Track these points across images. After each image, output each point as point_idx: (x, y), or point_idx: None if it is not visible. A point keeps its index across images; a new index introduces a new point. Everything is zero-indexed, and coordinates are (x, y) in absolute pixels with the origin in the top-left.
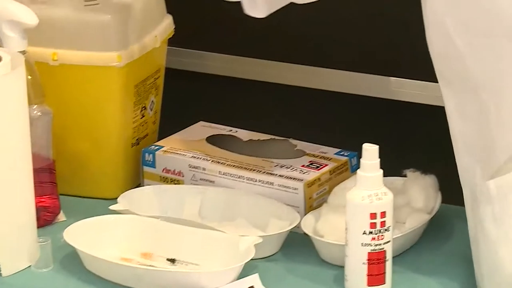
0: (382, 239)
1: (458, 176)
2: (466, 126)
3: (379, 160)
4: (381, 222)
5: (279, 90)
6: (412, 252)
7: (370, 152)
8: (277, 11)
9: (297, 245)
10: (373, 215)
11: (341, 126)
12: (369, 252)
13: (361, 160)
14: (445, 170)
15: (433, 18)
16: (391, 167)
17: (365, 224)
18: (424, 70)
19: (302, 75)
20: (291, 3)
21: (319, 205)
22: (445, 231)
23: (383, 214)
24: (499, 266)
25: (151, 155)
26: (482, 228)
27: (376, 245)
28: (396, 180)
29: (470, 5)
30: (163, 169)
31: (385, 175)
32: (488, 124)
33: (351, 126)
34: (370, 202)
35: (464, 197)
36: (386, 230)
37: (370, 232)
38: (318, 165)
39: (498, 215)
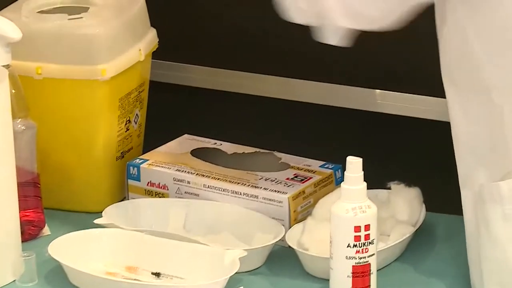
0: (366, 252)
1: (442, 188)
2: (473, 127)
3: (363, 173)
4: (366, 235)
5: (263, 103)
6: (397, 264)
7: (354, 165)
8: (259, 24)
9: (282, 258)
10: (357, 228)
11: (325, 138)
12: (353, 265)
13: (345, 173)
14: (429, 182)
15: (453, 21)
16: (376, 179)
17: (349, 237)
18: (409, 83)
19: (287, 88)
20: None
21: (304, 218)
22: (430, 243)
23: (367, 227)
24: (508, 266)
25: (135, 168)
26: (488, 228)
27: (360, 258)
28: (381, 193)
29: (492, 14)
30: (148, 183)
31: (369, 187)
32: (501, 127)
33: (336, 139)
34: (354, 215)
35: (462, 198)
36: (370, 243)
37: (355, 245)
38: (302, 178)
39: (509, 216)
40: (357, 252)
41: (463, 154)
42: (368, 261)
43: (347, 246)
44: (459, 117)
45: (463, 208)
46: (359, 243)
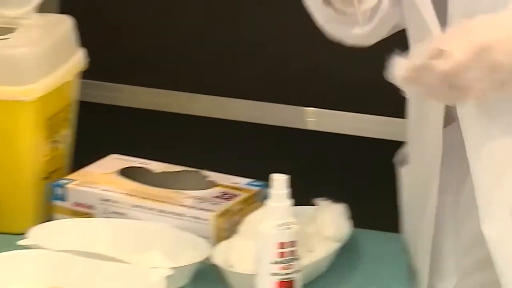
0: (291, 268)
1: (368, 204)
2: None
3: (288, 190)
4: (290, 251)
5: (191, 121)
6: (322, 280)
7: (279, 182)
8: (186, 42)
9: (208, 276)
10: (281, 245)
11: (253, 156)
12: (278, 282)
13: (270, 190)
14: (356, 199)
15: None
16: (303, 196)
17: (273, 253)
18: (334, 99)
19: (216, 106)
20: None
21: (230, 236)
22: (355, 259)
23: (291, 244)
24: None
25: (62, 188)
26: None
27: (285, 274)
28: (307, 209)
29: None
30: (74, 203)
31: (296, 204)
32: None
33: (263, 157)
34: (278, 232)
35: (482, 216)
36: (295, 259)
37: (279, 262)
38: (229, 195)
39: None
40: (282, 268)
41: (492, 174)
42: (292, 277)
43: (272, 263)
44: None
45: (487, 233)
46: (283, 260)
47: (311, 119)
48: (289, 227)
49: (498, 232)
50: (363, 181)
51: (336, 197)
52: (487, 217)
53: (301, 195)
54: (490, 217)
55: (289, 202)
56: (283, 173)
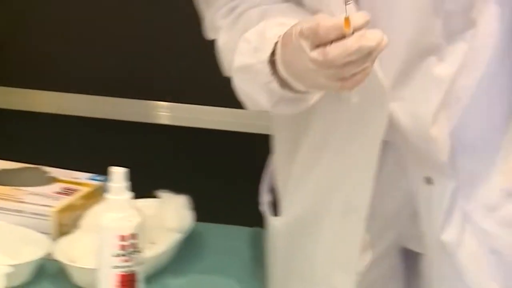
0: (132, 261)
1: (210, 195)
2: None
3: (127, 183)
4: (131, 244)
5: (31, 117)
6: (165, 272)
7: (117, 175)
8: (27, 38)
9: (51, 272)
10: (122, 237)
11: (94, 151)
12: (119, 274)
13: (109, 184)
14: (197, 189)
15: None
16: (145, 188)
17: (114, 246)
18: (179, 93)
19: (56, 101)
20: None
21: (72, 231)
22: (198, 251)
23: (132, 236)
24: None
25: None
26: None
27: (126, 267)
28: (150, 201)
29: None
30: None
31: (139, 196)
32: None
33: (105, 151)
34: (119, 225)
35: None
36: (136, 251)
37: (120, 254)
38: (70, 191)
39: None
40: (123, 261)
41: None
42: (134, 270)
43: (113, 256)
44: None
45: (447, 239)
46: (124, 252)
47: (161, 113)
48: (129, 219)
49: (456, 238)
50: (209, 174)
51: (182, 190)
52: (446, 226)
53: (148, 188)
54: (448, 226)
55: (128, 194)
56: (127, 167)
